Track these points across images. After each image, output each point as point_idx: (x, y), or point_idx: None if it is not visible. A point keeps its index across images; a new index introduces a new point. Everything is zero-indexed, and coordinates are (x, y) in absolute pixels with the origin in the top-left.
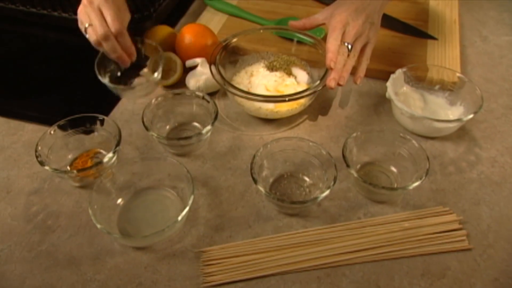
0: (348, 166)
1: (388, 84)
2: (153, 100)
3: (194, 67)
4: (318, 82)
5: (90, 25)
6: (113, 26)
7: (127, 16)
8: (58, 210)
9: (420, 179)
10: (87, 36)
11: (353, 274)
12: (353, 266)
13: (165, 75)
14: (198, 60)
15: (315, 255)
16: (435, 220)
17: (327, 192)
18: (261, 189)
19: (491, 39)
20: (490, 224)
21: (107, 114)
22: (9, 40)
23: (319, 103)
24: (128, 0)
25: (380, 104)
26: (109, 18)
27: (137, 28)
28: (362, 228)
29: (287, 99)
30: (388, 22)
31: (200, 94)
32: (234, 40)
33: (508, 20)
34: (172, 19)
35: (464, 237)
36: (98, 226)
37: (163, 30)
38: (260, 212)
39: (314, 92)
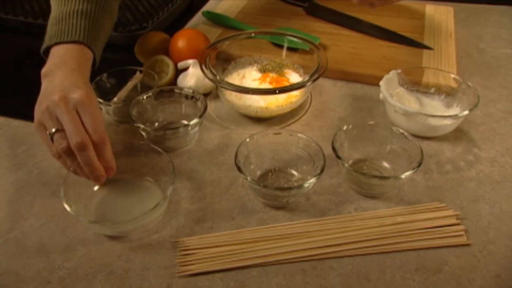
0: (338, 157)
1: (381, 83)
2: (141, 97)
3: (186, 69)
4: (308, 77)
5: (58, 130)
6: (95, 133)
7: (103, 119)
8: (33, 199)
9: (413, 169)
10: (51, 142)
11: (341, 267)
12: (342, 259)
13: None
14: (190, 61)
15: (300, 246)
16: (430, 215)
17: (313, 180)
18: (245, 176)
19: (488, 51)
20: (491, 221)
21: None
22: (9, 49)
23: (311, 104)
24: (127, 12)
25: (375, 107)
26: (90, 123)
27: (131, 38)
28: (351, 222)
29: (277, 91)
30: (383, 33)
31: (189, 91)
32: (226, 43)
33: (505, 35)
34: (171, 31)
35: (462, 232)
36: (68, 208)
37: (156, 36)
38: (245, 205)
39: (304, 85)
